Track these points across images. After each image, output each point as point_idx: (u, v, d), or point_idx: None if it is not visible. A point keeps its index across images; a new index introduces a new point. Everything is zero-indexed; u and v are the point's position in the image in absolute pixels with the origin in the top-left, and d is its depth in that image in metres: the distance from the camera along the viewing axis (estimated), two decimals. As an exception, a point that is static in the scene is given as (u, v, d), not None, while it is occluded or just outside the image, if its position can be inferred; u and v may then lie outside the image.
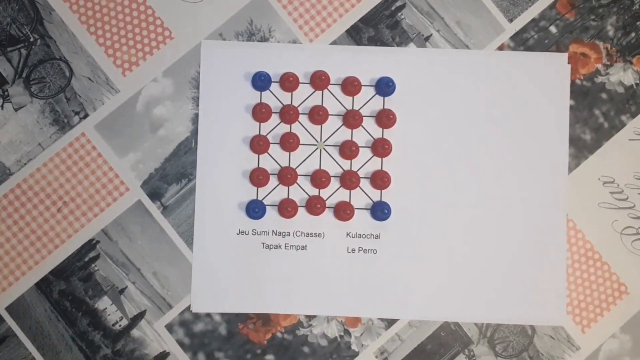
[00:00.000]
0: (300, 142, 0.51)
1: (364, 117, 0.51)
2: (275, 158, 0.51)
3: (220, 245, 0.51)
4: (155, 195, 0.52)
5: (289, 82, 0.51)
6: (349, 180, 0.51)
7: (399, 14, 0.53)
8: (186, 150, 0.52)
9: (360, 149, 0.51)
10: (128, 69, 0.52)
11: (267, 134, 0.51)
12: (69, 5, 0.52)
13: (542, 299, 0.51)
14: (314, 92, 0.52)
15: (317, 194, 0.51)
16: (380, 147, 0.51)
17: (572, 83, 0.52)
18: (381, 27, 0.53)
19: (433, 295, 0.51)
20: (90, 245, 0.51)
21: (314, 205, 0.50)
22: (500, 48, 0.53)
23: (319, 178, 0.51)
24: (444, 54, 0.52)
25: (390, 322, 0.51)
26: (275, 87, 0.52)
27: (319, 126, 0.52)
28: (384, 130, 0.52)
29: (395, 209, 0.51)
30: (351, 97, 0.52)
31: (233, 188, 0.51)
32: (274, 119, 0.51)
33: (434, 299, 0.51)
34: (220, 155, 0.51)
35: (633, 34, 0.53)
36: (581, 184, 0.52)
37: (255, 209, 0.50)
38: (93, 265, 0.51)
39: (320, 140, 0.51)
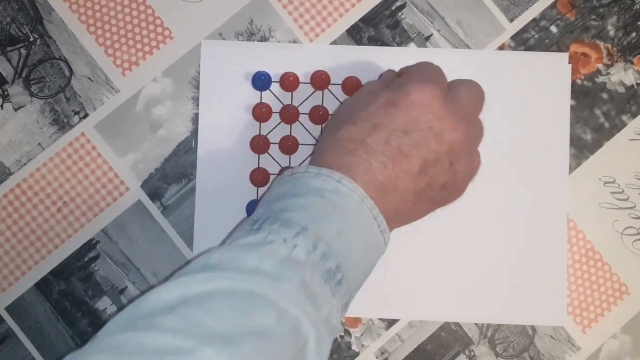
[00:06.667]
0: (301, 142, 0.51)
1: (364, 117, 0.51)
2: (275, 158, 0.51)
3: (220, 245, 0.51)
4: (155, 195, 0.52)
5: (289, 82, 0.51)
6: (349, 180, 0.51)
7: (400, 13, 0.53)
8: (186, 150, 0.52)
9: (360, 149, 0.51)
10: (128, 69, 0.52)
11: (267, 134, 0.51)
12: (69, 5, 0.52)
13: (542, 299, 0.51)
14: (314, 92, 0.52)
15: (317, 194, 0.51)
16: (381, 147, 0.51)
17: (573, 83, 0.52)
18: (381, 26, 0.53)
19: (433, 295, 0.51)
20: (90, 245, 0.51)
21: (314, 205, 0.50)
22: (501, 48, 0.52)
23: (319, 178, 0.51)
24: (444, 53, 0.52)
25: (390, 323, 0.51)
26: (275, 87, 0.51)
27: (320, 126, 0.51)
28: (384, 130, 0.51)
29: (396, 209, 0.51)
30: (351, 97, 0.52)
31: (233, 188, 0.51)
32: (274, 119, 0.51)
33: (434, 299, 0.51)
34: (220, 155, 0.51)
35: (634, 34, 0.53)
36: (582, 184, 0.52)
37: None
38: (93, 265, 0.51)
39: (321, 140, 0.51)
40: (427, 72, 0.45)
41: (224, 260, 0.36)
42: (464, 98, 0.44)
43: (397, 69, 0.52)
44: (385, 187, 0.40)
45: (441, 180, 0.42)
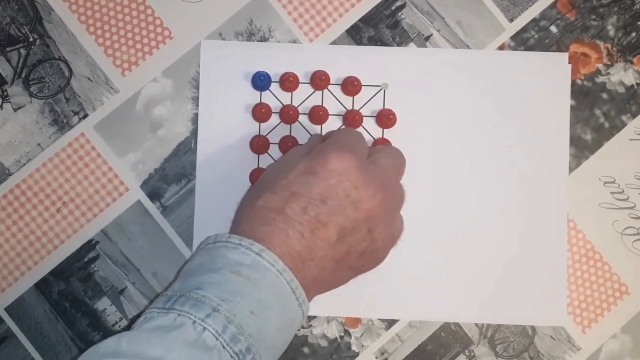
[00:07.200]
0: (300, 143, 0.51)
1: (364, 117, 0.51)
2: (275, 158, 0.51)
3: (220, 245, 0.51)
4: (155, 195, 0.52)
5: (289, 82, 0.51)
6: (349, 180, 0.51)
7: (399, 13, 0.53)
8: (186, 150, 0.52)
9: (360, 149, 0.51)
10: (127, 69, 0.52)
11: (267, 134, 0.51)
12: (69, 5, 0.52)
13: (542, 299, 0.51)
14: (314, 92, 0.52)
15: (317, 194, 0.51)
16: (381, 147, 0.51)
17: (573, 83, 0.52)
18: (381, 26, 0.53)
19: (433, 296, 0.51)
20: (90, 245, 0.51)
21: (314, 206, 0.50)
22: (501, 48, 0.52)
23: (319, 178, 0.51)
24: (444, 53, 0.52)
25: (390, 323, 0.51)
26: (275, 87, 0.51)
27: (319, 126, 0.51)
28: (384, 130, 0.51)
29: (396, 209, 0.51)
30: (351, 97, 0.52)
31: (233, 188, 0.51)
32: (274, 119, 0.51)
33: (434, 299, 0.51)
34: (220, 155, 0.51)
35: (634, 34, 0.53)
36: (582, 184, 0.52)
37: (255, 209, 0.50)
38: (92, 265, 0.51)
39: (321, 140, 0.51)
40: (347, 140, 0.45)
41: (132, 349, 0.36)
42: (383, 165, 0.45)
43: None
44: (303, 256, 0.41)
45: (360, 248, 0.43)
